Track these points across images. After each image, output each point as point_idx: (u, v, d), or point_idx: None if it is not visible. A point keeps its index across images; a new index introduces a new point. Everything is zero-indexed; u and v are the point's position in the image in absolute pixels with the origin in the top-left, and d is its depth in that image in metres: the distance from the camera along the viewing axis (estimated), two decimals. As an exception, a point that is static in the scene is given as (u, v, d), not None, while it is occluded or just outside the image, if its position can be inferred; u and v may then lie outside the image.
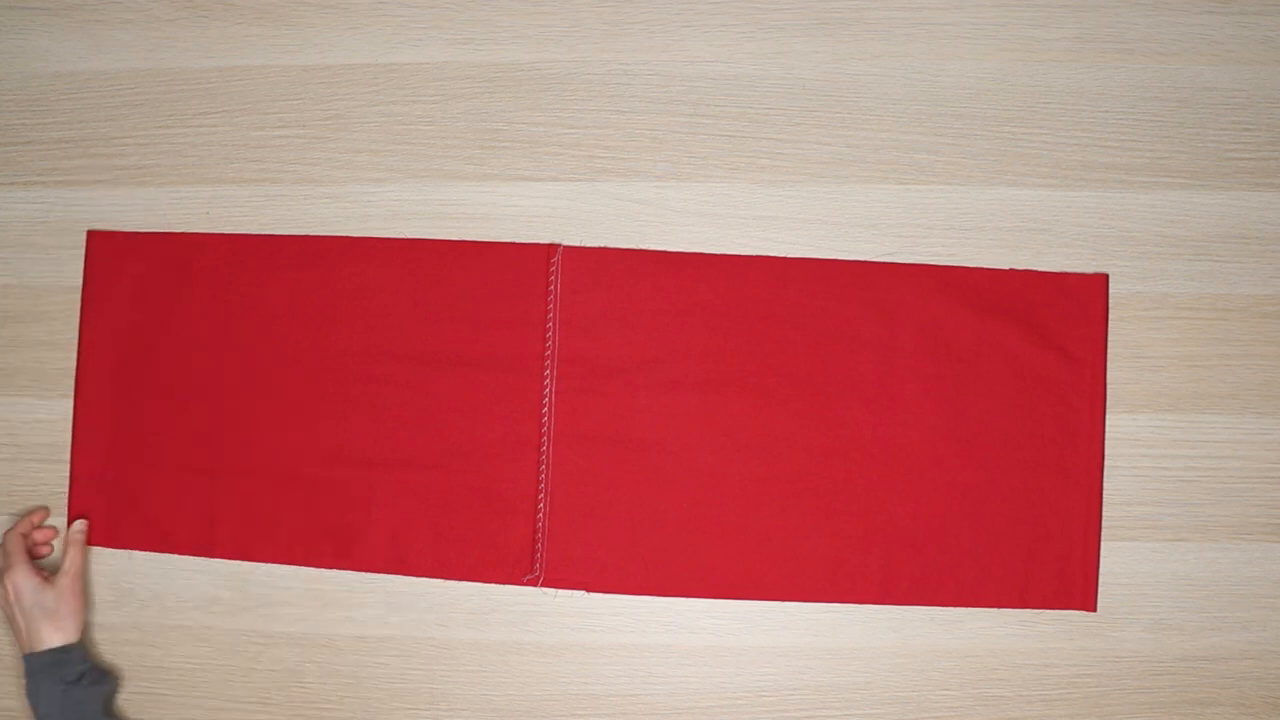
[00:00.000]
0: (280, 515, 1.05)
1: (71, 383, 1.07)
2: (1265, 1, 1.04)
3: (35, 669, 0.97)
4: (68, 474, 1.06)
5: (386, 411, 1.05)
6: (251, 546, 1.05)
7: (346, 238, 1.06)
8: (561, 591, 1.04)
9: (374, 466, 1.04)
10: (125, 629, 1.06)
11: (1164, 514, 1.02)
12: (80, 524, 1.05)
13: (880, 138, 1.04)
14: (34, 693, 0.97)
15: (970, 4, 1.05)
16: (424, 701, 1.05)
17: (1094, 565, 1.01)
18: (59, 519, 1.06)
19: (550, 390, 1.04)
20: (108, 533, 1.06)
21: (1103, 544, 1.01)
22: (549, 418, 1.04)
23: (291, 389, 1.05)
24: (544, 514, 1.03)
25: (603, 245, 1.05)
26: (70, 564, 1.02)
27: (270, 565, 1.05)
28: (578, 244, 1.05)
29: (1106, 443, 1.02)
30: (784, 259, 1.04)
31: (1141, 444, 1.02)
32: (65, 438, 1.07)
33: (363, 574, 1.05)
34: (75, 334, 1.07)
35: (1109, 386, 1.02)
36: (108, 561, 1.06)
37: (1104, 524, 1.02)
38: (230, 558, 1.05)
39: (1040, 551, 1.01)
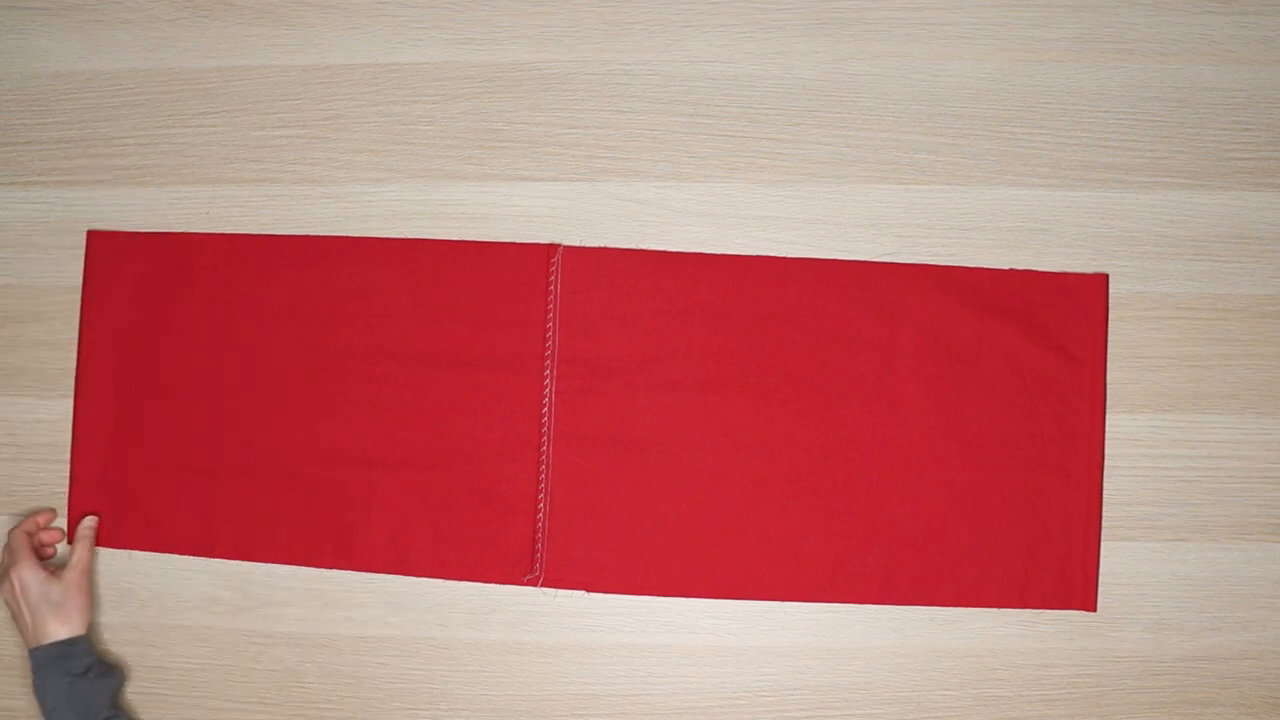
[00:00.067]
0: (280, 515, 1.05)
1: (71, 383, 1.07)
2: (1265, 1, 1.04)
3: (42, 662, 0.97)
4: (68, 474, 1.06)
5: (386, 411, 1.05)
6: (251, 546, 1.05)
7: (346, 238, 1.06)
8: (561, 591, 1.04)
9: (374, 466, 1.04)
10: (125, 629, 1.06)
11: (1164, 514, 1.02)
12: (90, 520, 1.05)
13: (880, 138, 1.04)
14: (41, 686, 0.97)
15: (970, 4, 1.05)
16: (424, 701, 1.05)
17: (1094, 565, 1.01)
18: (60, 520, 1.06)
19: (550, 390, 1.04)
20: (108, 533, 1.06)
21: (1103, 544, 1.01)
22: (549, 418, 1.04)
23: (291, 389, 1.05)
24: (544, 514, 1.03)
25: (603, 245, 1.05)
26: (78, 559, 1.02)
27: (270, 565, 1.05)
28: (578, 244, 1.05)
29: (1106, 443, 1.02)
30: (784, 259, 1.04)
31: (1141, 444, 1.02)
32: (65, 438, 1.07)
33: (363, 574, 1.05)
34: (75, 334, 1.07)
35: (1109, 386, 1.02)
36: (108, 561, 1.06)
37: (1104, 524, 1.02)
38: (230, 558, 1.05)
39: (1040, 551, 1.01)
